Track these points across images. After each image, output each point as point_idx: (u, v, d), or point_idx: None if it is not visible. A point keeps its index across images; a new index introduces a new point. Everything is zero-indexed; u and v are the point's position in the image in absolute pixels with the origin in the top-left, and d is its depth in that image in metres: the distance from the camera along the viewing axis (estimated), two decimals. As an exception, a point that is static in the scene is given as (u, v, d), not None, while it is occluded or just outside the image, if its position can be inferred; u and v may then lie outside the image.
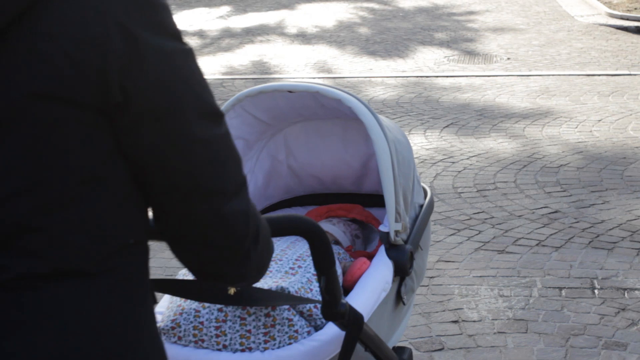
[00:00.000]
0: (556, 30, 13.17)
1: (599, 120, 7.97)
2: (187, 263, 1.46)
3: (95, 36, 1.22)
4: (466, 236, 5.44)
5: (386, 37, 12.97)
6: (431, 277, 4.87)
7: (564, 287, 4.70)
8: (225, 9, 16.74)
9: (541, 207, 5.84)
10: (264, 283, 2.35)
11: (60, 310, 1.29)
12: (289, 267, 2.45)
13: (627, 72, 10.13)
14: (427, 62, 11.13)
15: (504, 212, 5.80)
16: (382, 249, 2.66)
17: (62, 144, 1.26)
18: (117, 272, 1.36)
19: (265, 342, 2.28)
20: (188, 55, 1.33)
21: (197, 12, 16.49)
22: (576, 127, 7.77)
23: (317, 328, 2.33)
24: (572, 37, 12.63)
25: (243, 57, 11.90)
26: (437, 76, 10.23)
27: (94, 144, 1.29)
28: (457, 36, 12.87)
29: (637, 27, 13.13)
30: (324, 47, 12.28)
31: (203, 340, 2.32)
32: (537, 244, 5.27)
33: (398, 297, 2.69)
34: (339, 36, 13.17)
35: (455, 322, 4.40)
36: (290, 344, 2.27)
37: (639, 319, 4.34)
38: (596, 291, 4.65)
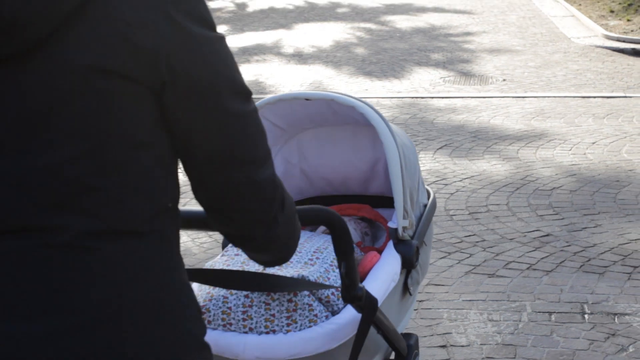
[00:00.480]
0: (552, 52, 13.17)
1: (593, 143, 7.95)
2: (222, 227, 1.64)
3: (147, 23, 1.43)
4: (457, 259, 5.41)
5: (382, 57, 12.98)
6: (420, 301, 4.84)
7: (554, 312, 4.67)
8: (222, 28, 16.75)
9: (533, 230, 5.81)
10: (286, 272, 2.57)
11: (116, 266, 1.46)
12: (307, 258, 2.67)
13: (623, 95, 10.12)
14: (423, 82, 11.13)
15: (496, 235, 5.77)
16: (390, 243, 2.89)
17: (118, 113, 1.43)
18: (161, 232, 1.53)
19: (288, 325, 2.49)
20: (222, 42, 1.53)
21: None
22: (570, 150, 7.75)
23: (334, 313, 2.54)
24: (568, 58, 12.63)
25: (239, 76, 11.88)
26: (432, 97, 10.23)
27: (144, 114, 1.46)
28: (454, 57, 12.88)
29: (633, 49, 13.14)
30: (320, 67, 12.28)
31: (231, 324, 2.52)
32: (527, 268, 5.24)
33: (405, 288, 2.94)
34: (335, 56, 13.18)
35: (443, 346, 4.36)
36: (310, 326, 2.48)
37: (628, 345, 4.31)
38: (586, 316, 4.61)
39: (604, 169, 7.13)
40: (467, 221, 6.03)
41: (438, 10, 18.46)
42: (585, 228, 5.82)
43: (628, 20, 15.18)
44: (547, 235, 5.72)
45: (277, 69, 12.30)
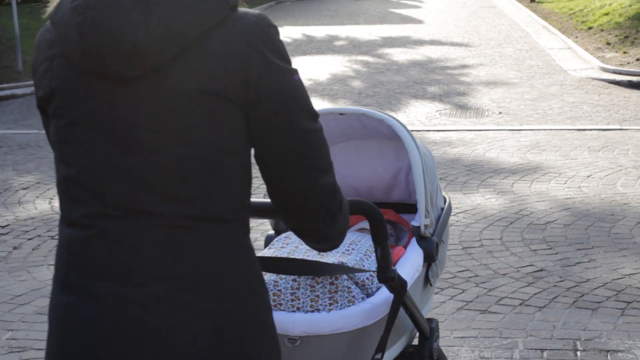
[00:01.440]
0: (549, 84, 13.19)
1: (588, 176, 7.93)
2: (291, 223, 2.01)
3: (242, 56, 1.83)
4: (449, 295, 5.37)
5: (379, 90, 12.99)
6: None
7: (546, 349, 4.62)
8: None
9: (526, 265, 5.77)
10: (327, 260, 2.98)
11: (207, 243, 1.86)
12: (344, 249, 3.08)
13: (619, 127, 10.11)
14: (419, 115, 11.13)
15: (489, 270, 5.73)
16: (413, 240, 3.30)
17: (216, 126, 1.82)
18: (240, 221, 1.92)
19: (330, 304, 2.90)
20: (296, 73, 1.92)
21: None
22: (565, 183, 7.72)
23: (369, 295, 2.94)
24: (565, 91, 12.64)
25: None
26: (428, 130, 10.22)
27: (235, 128, 1.85)
28: (450, 90, 12.89)
29: (629, 81, 13.15)
30: (317, 100, 12.29)
31: (281, 304, 2.90)
32: (520, 304, 5.19)
33: (426, 279, 3.33)
34: (332, 89, 13.19)
35: (434, 384, 4.31)
36: (349, 306, 2.89)
37: (621, 383, 4.26)
38: (579, 353, 4.56)
39: (599, 203, 7.10)
40: (461, 256, 5.99)
41: (435, 43, 18.51)
42: (579, 263, 5.78)
43: (624, 52, 15.21)
44: (541, 270, 5.68)
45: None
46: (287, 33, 21.46)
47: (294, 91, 1.89)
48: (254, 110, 1.85)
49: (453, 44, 18.22)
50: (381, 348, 2.81)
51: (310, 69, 15.33)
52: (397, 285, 2.76)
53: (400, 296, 2.80)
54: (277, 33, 1.92)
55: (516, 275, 5.62)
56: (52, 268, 5.98)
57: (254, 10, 1.93)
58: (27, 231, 6.80)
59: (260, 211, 2.43)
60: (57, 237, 6.58)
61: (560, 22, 20.63)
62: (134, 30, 1.77)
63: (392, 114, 11.23)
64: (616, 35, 16.63)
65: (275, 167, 1.92)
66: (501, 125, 10.46)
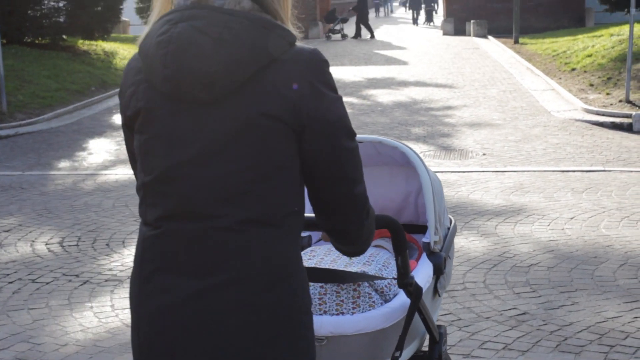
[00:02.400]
0: (532, 126, 13.24)
1: (572, 218, 7.93)
2: (327, 225, 2.36)
3: (298, 86, 2.16)
4: (432, 339, 5.33)
5: (363, 131, 13.01)
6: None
7: (529, 394, 4.58)
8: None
9: (510, 309, 5.75)
10: (351, 269, 3.36)
11: (260, 244, 2.18)
12: (365, 260, 3.46)
13: (602, 168, 10.14)
14: (403, 157, 11.11)
15: (472, 313, 5.70)
16: (424, 254, 3.69)
17: (272, 143, 2.16)
18: (290, 227, 2.24)
19: (353, 308, 3.26)
20: (341, 101, 2.25)
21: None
22: (548, 225, 7.73)
23: (387, 301, 3.30)
24: (548, 132, 12.70)
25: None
26: (412, 172, 10.20)
27: (287, 146, 2.19)
28: (434, 131, 12.93)
29: (612, 122, 13.23)
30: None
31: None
32: (503, 348, 5.16)
33: (435, 290, 3.68)
34: (316, 131, 13.20)
35: None
36: (370, 310, 3.25)
37: None
38: (562, 398, 4.53)
39: (582, 245, 7.10)
40: (444, 299, 5.96)
41: (419, 84, 18.60)
42: (562, 306, 5.76)
43: (607, 93, 15.30)
44: (524, 313, 5.66)
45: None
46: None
47: (339, 116, 2.24)
48: (305, 132, 2.20)
49: (437, 85, 18.31)
50: (400, 346, 3.21)
51: (295, 110, 15.36)
52: (414, 290, 3.16)
53: (416, 300, 3.20)
54: (328, 66, 2.25)
55: (499, 319, 5.59)
56: (32, 312, 5.92)
57: (309, 46, 2.25)
58: (7, 274, 6.75)
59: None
60: (38, 280, 6.54)
61: (543, 64, 20.76)
62: (207, 63, 2.14)
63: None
64: (599, 77, 16.74)
65: (318, 178, 2.27)
66: (485, 166, 10.48)
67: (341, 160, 2.24)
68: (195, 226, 2.18)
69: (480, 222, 7.85)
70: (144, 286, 2.25)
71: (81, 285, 6.47)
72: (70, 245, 7.49)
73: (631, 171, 10.00)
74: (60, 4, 21.64)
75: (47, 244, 7.56)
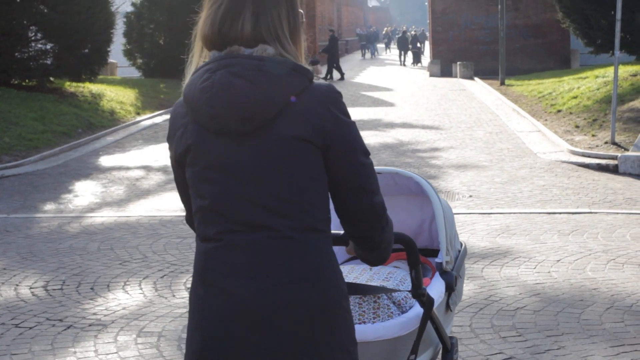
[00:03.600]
0: (519, 168, 13.28)
1: (558, 261, 7.93)
2: (351, 232, 2.78)
3: (320, 114, 2.62)
4: (418, 384, 5.29)
5: (350, 173, 12.99)
6: None
7: None
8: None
9: (496, 353, 5.72)
10: (372, 283, 3.82)
11: (300, 253, 2.62)
12: (384, 277, 3.94)
13: (588, 210, 10.16)
14: (390, 199, 11.11)
15: (458, 358, 5.66)
16: (437, 274, 4.13)
17: (304, 161, 2.62)
18: (326, 231, 2.69)
19: (374, 318, 3.71)
20: (355, 125, 2.71)
21: (163, 147, 16.55)
22: (535, 268, 7.71)
23: (403, 312, 3.75)
24: (535, 174, 12.73)
25: (206, 193, 11.86)
26: (398, 214, 10.20)
27: (317, 162, 2.64)
28: (421, 173, 12.93)
29: (598, 164, 13.28)
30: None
31: None
32: (490, 393, 5.12)
33: (447, 306, 4.13)
34: (303, 173, 13.20)
35: None
36: (388, 319, 3.71)
37: None
38: None
39: (568, 288, 7.08)
40: (430, 343, 5.93)
41: (406, 126, 18.66)
42: (549, 350, 5.73)
43: (593, 135, 15.38)
44: (510, 358, 5.63)
45: (245, 185, 12.30)
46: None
47: (354, 137, 2.69)
48: (328, 151, 2.65)
49: (424, 127, 18.37)
50: (414, 350, 3.70)
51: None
52: (426, 300, 3.64)
53: (428, 310, 3.66)
54: (341, 97, 2.72)
55: (486, 363, 5.56)
56: (15, 358, 5.86)
57: (324, 82, 2.87)
58: (-10, 319, 6.68)
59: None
60: (21, 325, 6.48)
61: (529, 105, 20.87)
62: (245, 101, 2.59)
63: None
64: (585, 119, 16.84)
65: (342, 190, 2.70)
66: (471, 208, 10.49)
67: (360, 173, 2.69)
68: (251, 237, 2.63)
69: (466, 265, 7.82)
70: (209, 290, 2.67)
71: (65, 330, 6.41)
72: (54, 289, 7.44)
73: (617, 213, 10.02)
74: (48, 46, 21.70)
75: (31, 287, 7.50)
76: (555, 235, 8.94)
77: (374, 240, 2.77)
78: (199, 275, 2.70)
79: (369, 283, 3.78)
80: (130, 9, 31.62)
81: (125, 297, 7.18)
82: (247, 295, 2.60)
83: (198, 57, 2.82)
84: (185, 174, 2.74)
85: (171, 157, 2.79)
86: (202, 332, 2.66)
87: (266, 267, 2.61)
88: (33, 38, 21.59)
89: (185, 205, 2.88)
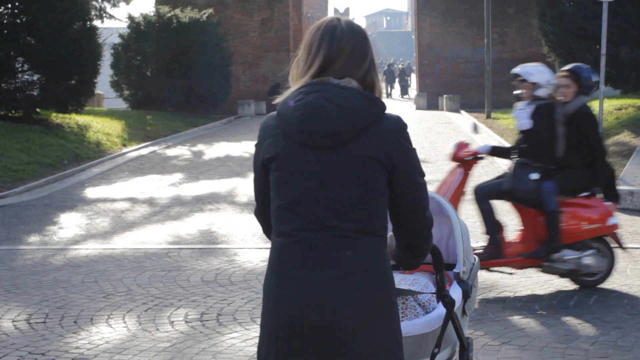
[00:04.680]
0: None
1: (543, 295, 7.90)
2: (402, 240, 3.34)
3: (390, 140, 3.19)
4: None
5: (336, 206, 12.98)
6: None
7: None
8: (177, 177, 16.79)
9: (481, 389, 5.69)
10: (400, 287, 4.25)
11: (361, 251, 3.15)
12: (409, 282, 4.46)
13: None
14: (375, 232, 11.09)
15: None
16: (454, 282, 4.58)
17: (373, 177, 3.18)
18: (383, 236, 3.22)
19: (402, 317, 4.20)
20: (416, 151, 3.27)
21: (149, 178, 16.54)
22: (520, 302, 7.69)
23: (427, 313, 4.30)
24: (520, 207, 12.71)
25: (191, 226, 11.85)
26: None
27: (383, 180, 3.19)
28: (407, 206, 12.90)
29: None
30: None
31: None
32: None
33: (463, 311, 4.56)
34: (289, 205, 13.17)
35: None
36: (414, 319, 4.24)
37: None
38: None
39: (554, 323, 7.06)
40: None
41: (393, 159, 18.64)
42: (534, 386, 5.71)
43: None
44: (495, 393, 5.60)
45: (230, 218, 12.30)
46: (246, 148, 21.56)
47: (415, 161, 3.28)
48: (393, 171, 3.22)
49: (410, 160, 18.36)
50: (438, 344, 4.17)
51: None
52: (449, 300, 4.16)
53: (450, 309, 4.18)
54: (406, 127, 3.28)
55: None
56: (-4, 393, 5.80)
57: (394, 114, 3.30)
58: (-28, 353, 6.62)
59: None
60: (3, 358, 6.42)
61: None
62: (332, 121, 3.18)
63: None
64: (570, 152, 16.87)
65: (401, 204, 3.26)
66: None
67: (417, 191, 3.27)
68: (321, 235, 3.16)
69: (451, 299, 7.80)
70: (283, 278, 3.19)
71: (47, 364, 6.35)
72: (37, 323, 7.39)
73: (602, 247, 10.01)
74: (35, 77, 21.69)
75: (13, 321, 7.45)
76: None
77: (421, 248, 3.38)
78: (274, 266, 3.23)
79: (397, 287, 4.09)
80: (117, 40, 31.71)
81: (108, 331, 7.14)
82: (316, 283, 3.13)
83: (296, 82, 3.33)
84: (269, 177, 3.28)
85: (256, 161, 3.34)
86: (277, 315, 3.19)
87: (332, 260, 3.14)
88: (20, 69, 21.58)
89: (257, 200, 3.42)
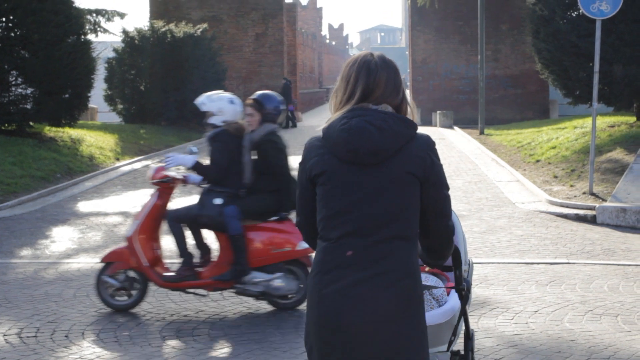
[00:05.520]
0: (497, 217, 13.30)
1: (536, 312, 7.92)
2: (427, 244, 3.78)
3: (423, 156, 3.64)
4: None
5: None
6: None
7: None
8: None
9: (473, 405, 5.67)
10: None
11: (396, 255, 3.56)
12: (423, 279, 4.82)
13: (566, 261, 10.18)
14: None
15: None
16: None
17: (409, 190, 3.60)
18: (414, 241, 3.64)
19: None
20: (442, 167, 3.68)
21: (142, 193, 16.50)
22: (512, 319, 7.70)
23: (441, 305, 4.86)
24: (513, 224, 12.75)
25: (184, 240, 11.79)
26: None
27: (416, 192, 3.62)
28: (400, 222, 12.89)
29: (576, 214, 13.32)
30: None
31: None
32: None
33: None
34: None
35: None
36: (429, 310, 4.77)
37: None
38: None
39: (546, 339, 7.06)
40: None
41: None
42: (526, 402, 5.70)
43: (571, 185, 15.44)
44: (487, 410, 5.59)
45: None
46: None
47: (442, 175, 3.70)
48: (425, 184, 3.66)
49: (403, 176, 18.35)
50: (454, 332, 4.89)
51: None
52: (465, 293, 4.82)
53: (465, 300, 4.84)
54: (435, 144, 3.73)
55: (462, 416, 5.51)
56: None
57: (425, 133, 3.75)
58: (-38, 367, 6.59)
59: None
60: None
61: (508, 155, 20.98)
62: (374, 142, 3.63)
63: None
64: (563, 169, 16.92)
65: (429, 213, 3.70)
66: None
67: (443, 202, 3.71)
68: (362, 240, 3.60)
69: (444, 315, 7.78)
70: (325, 277, 3.62)
71: (37, 378, 6.32)
72: (28, 337, 7.36)
73: (595, 264, 10.04)
74: (28, 91, 21.66)
75: (4, 335, 7.41)
76: (533, 286, 8.93)
77: (443, 252, 3.82)
78: (320, 265, 3.67)
79: None
80: (112, 54, 31.71)
81: (99, 346, 7.11)
82: (355, 282, 3.56)
83: (339, 108, 3.78)
84: (316, 190, 3.73)
85: (301, 176, 3.80)
86: (319, 309, 3.62)
87: (371, 261, 3.57)
88: (14, 82, 21.55)
89: (302, 213, 3.87)
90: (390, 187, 3.60)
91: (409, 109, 3.82)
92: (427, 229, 3.72)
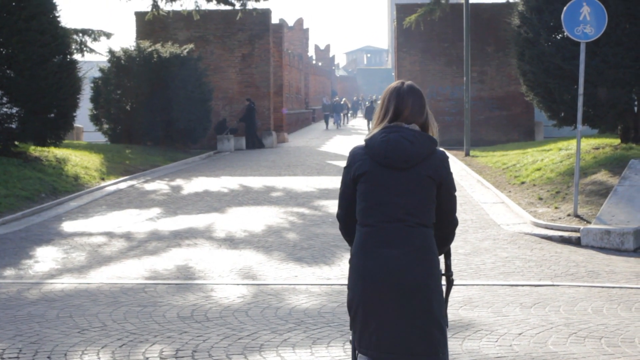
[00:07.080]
0: (482, 239, 13.31)
1: (520, 334, 7.92)
2: (437, 234, 4.85)
3: (439, 166, 4.80)
4: None
5: (314, 242, 13.01)
6: None
7: None
8: (155, 211, 16.71)
9: None
10: None
11: (420, 236, 4.69)
12: None
13: (550, 283, 10.19)
14: (353, 269, 11.06)
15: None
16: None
17: (429, 190, 4.75)
18: (432, 228, 4.77)
19: None
20: (452, 174, 4.84)
21: (127, 213, 16.46)
22: (496, 341, 7.70)
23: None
24: (498, 245, 12.77)
25: (168, 261, 11.78)
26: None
27: (433, 192, 4.77)
28: (385, 243, 12.89)
29: (561, 236, 13.35)
30: (251, 252, 12.24)
31: None
32: None
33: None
34: (266, 241, 13.16)
35: None
36: None
37: None
38: None
39: (530, 362, 7.05)
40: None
41: (371, 195, 18.64)
42: None
43: (556, 207, 15.48)
44: None
45: (208, 253, 12.23)
46: (224, 184, 21.52)
47: (452, 180, 4.77)
48: (439, 187, 4.73)
49: (389, 197, 18.37)
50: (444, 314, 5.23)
51: (245, 221, 15.34)
52: (452, 279, 5.20)
53: (450, 285, 5.18)
54: (448, 158, 4.83)
55: None
56: None
57: (441, 149, 4.82)
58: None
59: None
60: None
61: (494, 177, 21.03)
62: (407, 152, 4.70)
63: (326, 267, 11.22)
64: (548, 191, 16.96)
65: (442, 209, 4.78)
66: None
67: (452, 201, 4.84)
68: (395, 225, 4.66)
69: (428, 337, 7.77)
70: (368, 254, 4.66)
71: (19, 400, 6.28)
72: (10, 358, 7.30)
73: (579, 286, 10.05)
74: (13, 110, 21.61)
75: (-14, 356, 7.36)
76: (517, 308, 8.94)
77: (449, 239, 4.96)
78: (360, 246, 4.71)
79: None
80: (97, 74, 31.69)
81: (82, 367, 7.06)
82: (392, 257, 4.61)
83: (375, 125, 4.91)
84: (357, 187, 4.80)
85: (346, 177, 4.89)
86: (364, 281, 4.64)
87: (403, 241, 4.63)
88: (-1, 102, 21.53)
89: (343, 205, 4.94)
90: (415, 186, 4.69)
91: (432, 128, 4.90)
92: (440, 220, 4.81)
